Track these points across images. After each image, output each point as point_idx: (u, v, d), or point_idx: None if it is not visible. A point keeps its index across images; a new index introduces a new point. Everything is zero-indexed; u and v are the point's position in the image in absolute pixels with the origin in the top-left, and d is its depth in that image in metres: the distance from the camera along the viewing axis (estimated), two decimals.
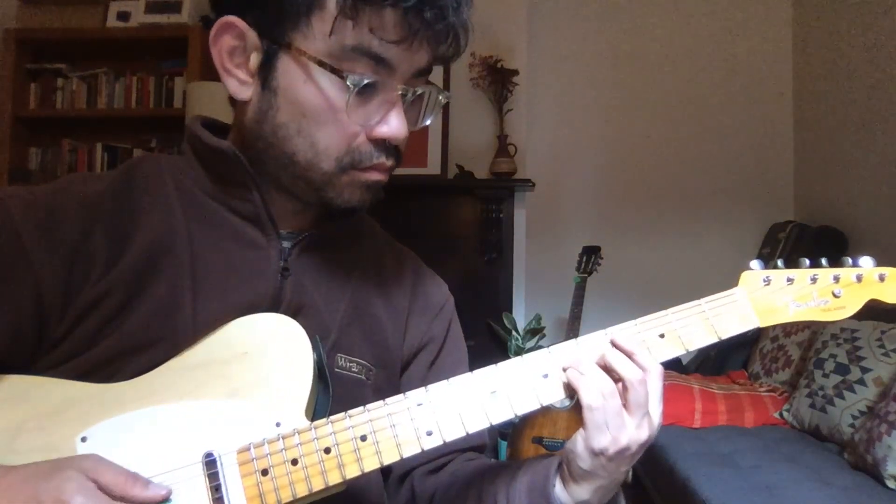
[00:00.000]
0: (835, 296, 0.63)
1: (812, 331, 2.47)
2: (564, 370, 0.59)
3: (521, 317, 3.15)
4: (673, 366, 2.95)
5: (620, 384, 0.58)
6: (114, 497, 0.49)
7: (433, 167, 3.12)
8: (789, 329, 2.64)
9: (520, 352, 2.93)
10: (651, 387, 0.58)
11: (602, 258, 2.78)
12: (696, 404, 2.40)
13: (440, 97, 0.66)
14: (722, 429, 2.29)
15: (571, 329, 2.63)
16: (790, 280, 0.63)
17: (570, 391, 0.59)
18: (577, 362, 0.59)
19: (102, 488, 0.49)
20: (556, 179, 3.51)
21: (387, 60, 0.57)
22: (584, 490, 0.60)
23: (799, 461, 1.90)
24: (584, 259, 2.75)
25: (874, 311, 2.13)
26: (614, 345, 0.59)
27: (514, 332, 2.97)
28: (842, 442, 2.00)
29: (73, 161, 3.32)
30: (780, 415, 2.35)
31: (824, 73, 3.19)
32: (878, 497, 1.65)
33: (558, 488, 0.61)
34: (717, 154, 3.49)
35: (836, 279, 0.63)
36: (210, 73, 3.20)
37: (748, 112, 3.48)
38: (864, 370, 2.02)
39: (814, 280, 0.63)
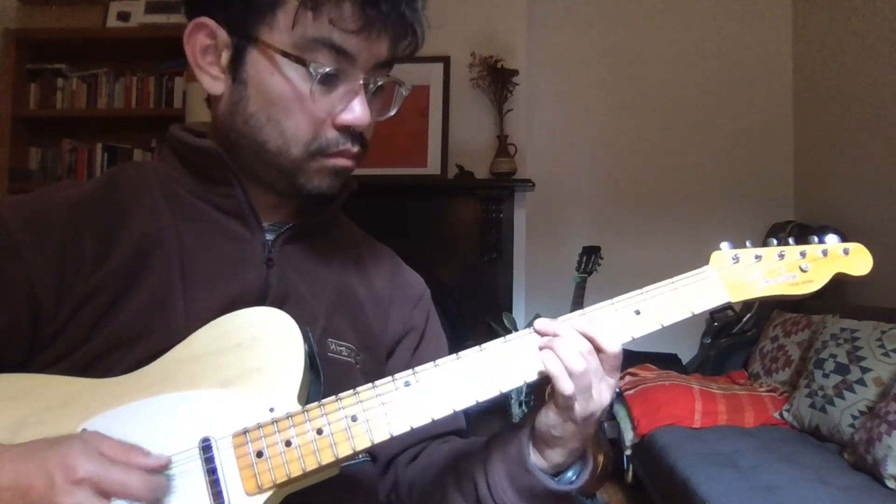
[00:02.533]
0: (802, 270, 0.65)
1: (812, 331, 2.47)
2: (541, 349, 0.62)
3: (521, 317, 3.15)
4: (673, 366, 2.95)
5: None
6: (116, 464, 0.51)
7: (433, 167, 3.12)
8: (789, 329, 2.64)
9: None
10: (604, 359, 0.61)
11: (602, 258, 2.78)
12: (696, 404, 2.40)
13: (402, 90, 0.70)
14: (722, 429, 2.29)
15: None
16: (758, 257, 0.66)
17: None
18: (551, 340, 0.62)
19: (105, 455, 0.51)
20: (556, 179, 3.52)
21: (347, 51, 0.61)
22: (557, 454, 0.64)
23: (799, 461, 1.90)
24: (584, 259, 2.75)
25: (874, 311, 2.11)
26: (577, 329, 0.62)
27: (514, 332, 2.97)
28: (842, 442, 2.00)
29: (73, 161, 3.32)
30: (780, 415, 2.35)
31: (824, 73, 3.19)
32: (878, 497, 1.65)
33: (533, 457, 0.65)
34: (717, 154, 3.49)
35: (803, 255, 0.66)
36: None
37: (748, 112, 3.48)
38: (864, 370, 2.02)
39: (781, 256, 0.66)
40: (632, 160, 3.54)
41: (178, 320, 0.62)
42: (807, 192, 3.36)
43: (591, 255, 2.75)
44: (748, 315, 3.04)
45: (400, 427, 0.58)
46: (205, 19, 0.64)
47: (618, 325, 0.63)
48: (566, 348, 0.60)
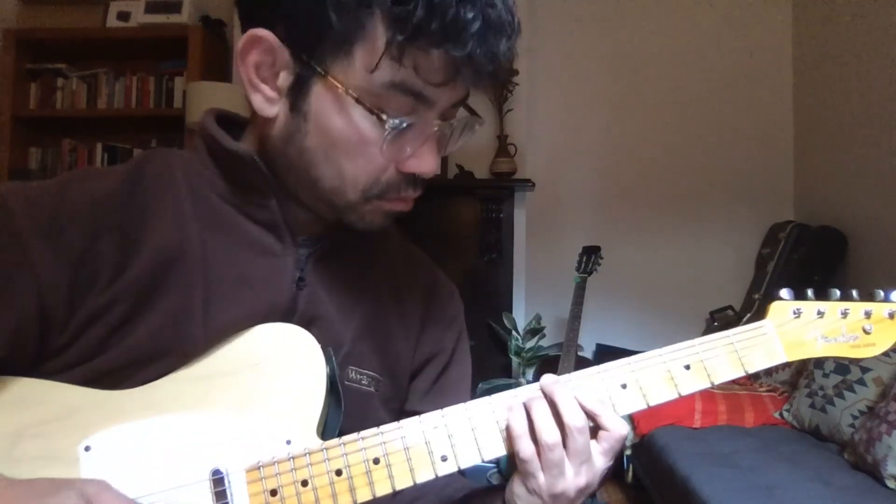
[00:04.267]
0: (865, 332, 0.61)
1: None
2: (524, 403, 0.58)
3: (521, 317, 3.15)
4: None
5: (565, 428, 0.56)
6: None
7: None
8: None
9: (520, 352, 2.93)
10: (603, 437, 0.56)
11: (602, 258, 2.78)
12: (696, 404, 2.40)
13: (476, 124, 0.64)
14: (722, 429, 2.29)
15: (571, 329, 2.63)
16: (821, 313, 0.62)
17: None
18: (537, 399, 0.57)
19: None
20: (556, 179, 3.51)
21: (427, 97, 0.56)
22: None
23: (799, 461, 1.90)
24: (584, 259, 2.75)
25: None
26: (577, 399, 0.57)
27: (514, 332, 2.97)
28: (842, 442, 2.00)
29: (73, 161, 3.32)
30: (780, 415, 2.35)
31: (824, 73, 3.19)
32: (878, 497, 1.65)
33: None
34: (717, 154, 3.49)
35: (868, 314, 0.61)
36: (210, 73, 3.20)
37: (748, 112, 3.48)
38: (864, 370, 2.02)
39: (844, 314, 0.62)
40: (632, 160, 3.54)
41: (196, 340, 0.57)
42: (807, 192, 3.36)
43: (591, 255, 2.75)
44: (748, 315, 3.04)
45: (424, 474, 0.55)
46: (263, 32, 0.56)
47: (665, 379, 0.59)
48: (542, 414, 0.55)
